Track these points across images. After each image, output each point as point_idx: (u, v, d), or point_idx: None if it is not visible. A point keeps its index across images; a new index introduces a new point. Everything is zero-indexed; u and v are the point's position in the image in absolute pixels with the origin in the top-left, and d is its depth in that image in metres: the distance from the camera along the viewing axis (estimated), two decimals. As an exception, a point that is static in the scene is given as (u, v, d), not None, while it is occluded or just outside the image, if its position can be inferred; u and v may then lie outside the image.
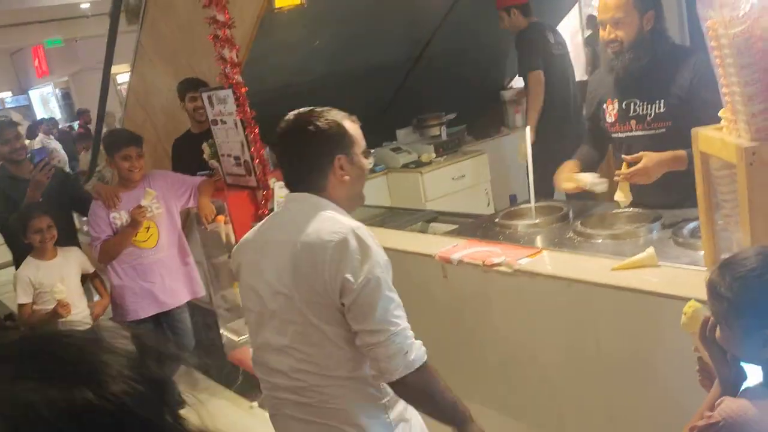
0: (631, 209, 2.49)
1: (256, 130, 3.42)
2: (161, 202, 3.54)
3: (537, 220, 2.59)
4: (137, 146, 3.47)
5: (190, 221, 4.23)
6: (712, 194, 1.77)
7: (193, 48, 4.61)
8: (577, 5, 8.02)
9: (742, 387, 1.33)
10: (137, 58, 5.32)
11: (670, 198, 2.41)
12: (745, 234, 1.54)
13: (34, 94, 21.57)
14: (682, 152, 2.22)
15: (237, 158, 3.57)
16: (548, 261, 2.20)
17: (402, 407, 1.73)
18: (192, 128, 4.31)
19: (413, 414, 1.76)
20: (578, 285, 2.01)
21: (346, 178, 1.73)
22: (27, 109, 21.04)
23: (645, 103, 2.43)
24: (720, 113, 1.65)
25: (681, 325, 1.43)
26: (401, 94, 5.26)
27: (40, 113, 20.90)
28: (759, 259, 1.27)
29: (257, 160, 3.44)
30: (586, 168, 2.61)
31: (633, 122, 2.48)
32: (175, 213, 3.64)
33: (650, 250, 1.97)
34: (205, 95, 3.64)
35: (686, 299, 1.77)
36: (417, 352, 1.60)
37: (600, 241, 2.28)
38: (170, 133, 5.21)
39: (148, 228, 3.47)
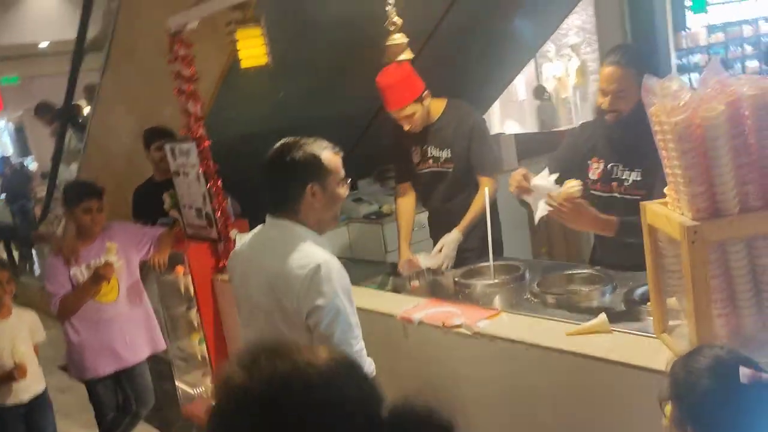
0: (585, 271, 2.59)
1: (219, 183, 3.44)
2: (121, 254, 3.51)
3: (495, 280, 2.66)
4: (98, 199, 3.44)
5: (146, 271, 4.20)
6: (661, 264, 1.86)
7: (155, 95, 4.63)
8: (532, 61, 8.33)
9: None
10: (98, 101, 5.31)
11: (631, 260, 2.51)
12: (689, 307, 1.62)
13: (-13, 129, 21.11)
14: (613, 220, 2.29)
15: (198, 210, 3.58)
16: (506, 323, 2.26)
17: None
18: (155, 176, 4.30)
19: None
20: (535, 350, 2.07)
21: (317, 205, 1.98)
22: (-22, 143, 20.55)
23: (626, 169, 2.50)
24: (665, 190, 1.75)
25: (663, 427, 1.43)
26: (363, 144, 5.34)
27: (-8, 148, 20.43)
28: (702, 363, 1.30)
29: (219, 213, 3.46)
30: None
31: (614, 184, 2.54)
32: (135, 265, 3.61)
33: (602, 316, 2.04)
34: (167, 147, 3.66)
35: (637, 368, 1.85)
36: (368, 369, 1.90)
37: (555, 303, 2.35)
38: (131, 179, 5.17)
39: (109, 281, 3.43)
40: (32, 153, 18.33)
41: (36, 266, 9.07)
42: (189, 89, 3.33)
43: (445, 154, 3.28)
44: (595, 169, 2.60)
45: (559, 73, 11.37)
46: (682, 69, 8.35)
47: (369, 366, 1.93)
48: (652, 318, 2.05)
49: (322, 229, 2.03)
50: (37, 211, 9.74)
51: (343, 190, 2.04)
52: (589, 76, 10.56)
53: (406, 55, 2.83)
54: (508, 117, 11.00)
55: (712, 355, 1.31)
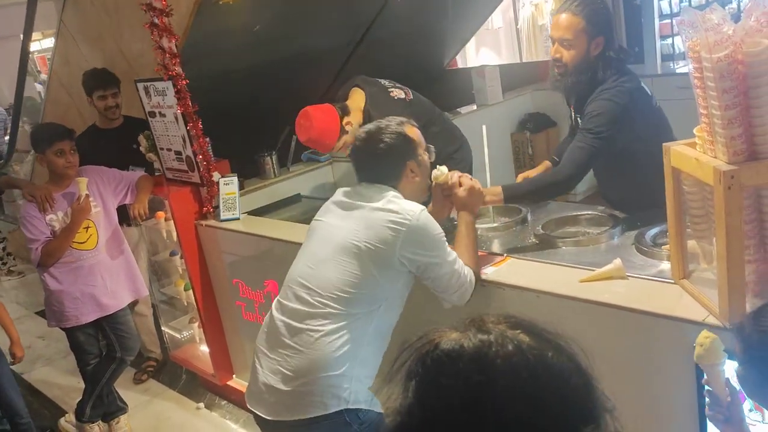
0: (589, 212, 2.51)
1: (199, 124, 3.26)
2: (98, 200, 3.35)
3: (496, 224, 2.57)
4: (71, 140, 3.26)
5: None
6: (683, 209, 1.78)
7: (121, 31, 4.36)
8: None
9: None
10: (59, 38, 4.99)
11: (627, 194, 2.44)
12: (721, 255, 1.55)
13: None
14: (497, 190, 2.28)
15: (178, 153, 3.40)
16: (514, 270, 2.18)
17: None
18: (99, 123, 4.05)
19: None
20: (546, 297, 2.00)
21: (417, 179, 2.07)
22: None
23: None
24: (695, 131, 1.65)
25: (696, 357, 1.38)
26: (342, 79, 5.14)
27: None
28: None
29: (200, 156, 3.29)
30: None
31: None
32: (112, 210, 3.45)
33: (617, 261, 1.97)
34: (140, 85, 3.44)
35: (655, 315, 1.79)
36: (471, 282, 2.02)
37: (563, 247, 2.28)
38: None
39: (87, 228, 3.27)
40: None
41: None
42: (162, 23, 3.09)
43: None
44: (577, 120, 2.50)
45: None
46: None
47: (472, 280, 2.02)
48: (667, 262, 1.99)
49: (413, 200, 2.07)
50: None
51: (429, 157, 2.12)
52: (567, 3, 10.26)
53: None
54: (482, 45, 10.73)
55: None
